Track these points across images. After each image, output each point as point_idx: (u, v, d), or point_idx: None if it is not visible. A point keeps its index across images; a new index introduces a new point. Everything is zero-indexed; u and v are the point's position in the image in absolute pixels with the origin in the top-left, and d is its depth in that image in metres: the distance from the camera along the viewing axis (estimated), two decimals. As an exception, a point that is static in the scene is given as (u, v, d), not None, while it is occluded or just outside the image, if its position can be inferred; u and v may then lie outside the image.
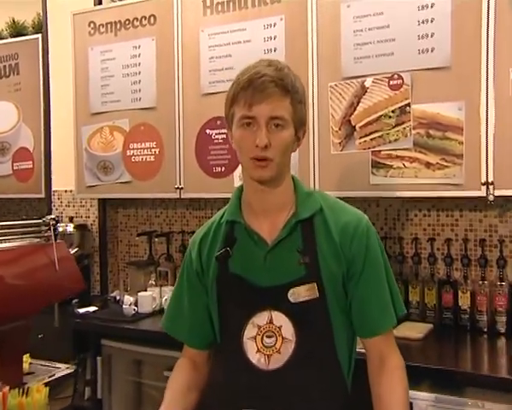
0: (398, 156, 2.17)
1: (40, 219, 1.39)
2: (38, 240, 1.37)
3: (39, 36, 3.32)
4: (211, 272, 1.32)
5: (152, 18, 2.69)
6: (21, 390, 1.11)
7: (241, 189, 1.35)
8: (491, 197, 2.01)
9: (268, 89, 1.19)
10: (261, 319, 1.24)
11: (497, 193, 2.01)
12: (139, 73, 2.73)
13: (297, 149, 1.33)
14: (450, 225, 2.39)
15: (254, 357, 1.23)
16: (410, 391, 1.80)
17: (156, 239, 3.01)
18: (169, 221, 3.07)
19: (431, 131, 2.11)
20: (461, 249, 2.33)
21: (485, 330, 2.22)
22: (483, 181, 2.01)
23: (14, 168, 3.41)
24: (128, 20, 2.76)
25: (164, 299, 2.71)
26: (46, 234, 1.35)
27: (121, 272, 3.21)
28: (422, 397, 1.85)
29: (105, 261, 3.15)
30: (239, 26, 2.47)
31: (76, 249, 2.06)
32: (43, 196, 3.33)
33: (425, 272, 2.39)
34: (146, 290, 2.77)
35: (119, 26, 2.79)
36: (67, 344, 2.65)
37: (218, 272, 1.30)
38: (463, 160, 2.05)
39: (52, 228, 1.35)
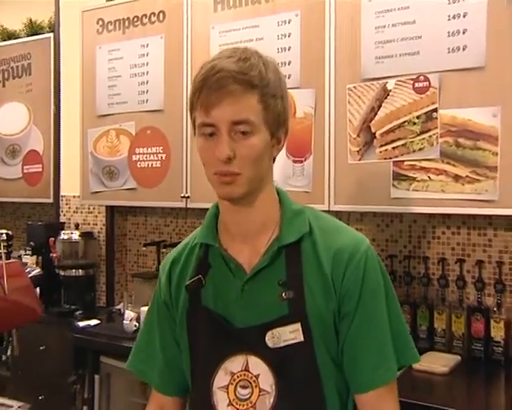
0: (422, 168, 1.94)
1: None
2: (-12, 258, 1.21)
3: (51, 35, 3.21)
4: (180, 304, 1.12)
5: (161, 14, 2.54)
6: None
7: (217, 205, 1.15)
8: (528, 217, 1.76)
9: (226, 87, 0.96)
10: (235, 364, 1.03)
11: (536, 212, 1.76)
12: (147, 73, 2.58)
13: (278, 153, 1.09)
14: (482, 245, 2.15)
15: None
16: None
17: (164, 250, 2.84)
18: (178, 231, 2.90)
19: (461, 140, 1.88)
20: (494, 273, 2.09)
21: (522, 366, 1.97)
22: (520, 198, 1.77)
23: (24, 171, 3.30)
24: (137, 16, 2.61)
25: (168, 315, 2.54)
26: (-1, 252, 1.19)
27: (129, 283, 3.06)
28: None
29: (112, 271, 3.00)
30: (251, 22, 2.29)
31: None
32: (51, 200, 3.21)
33: (453, 296, 2.16)
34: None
35: (127, 23, 2.64)
36: (67, 358, 2.52)
37: (189, 304, 1.10)
38: (497, 173, 1.82)
39: (2, 245, 1.18)
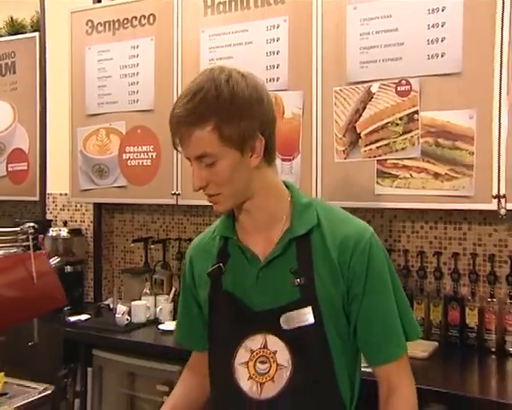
0: (404, 166, 2.07)
1: (17, 226, 1.29)
2: (16, 250, 1.27)
3: (37, 34, 3.24)
4: (203, 289, 1.22)
5: (151, 17, 2.60)
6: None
7: None
8: (502, 211, 1.91)
9: (181, 129, 1.08)
10: (254, 342, 1.13)
11: (510, 207, 1.90)
12: (137, 74, 2.64)
13: (258, 160, 1.14)
14: (457, 238, 2.29)
15: (246, 384, 1.13)
16: None
17: (152, 246, 2.92)
18: (166, 227, 2.97)
19: (440, 141, 2.01)
20: (469, 264, 2.23)
21: (494, 350, 2.12)
22: (494, 194, 1.91)
23: (9, 170, 3.32)
24: (127, 19, 2.67)
25: (158, 309, 2.62)
26: (24, 243, 1.25)
27: (116, 279, 3.12)
28: None
29: (99, 267, 3.05)
30: (241, 27, 2.38)
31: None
32: (37, 198, 3.24)
33: (431, 287, 2.29)
34: (140, 299, 2.67)
35: (117, 25, 2.70)
36: (56, 353, 2.55)
37: (211, 289, 1.21)
38: (474, 171, 1.96)
39: (30, 237, 1.25)
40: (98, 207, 3.03)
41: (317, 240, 1.15)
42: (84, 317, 2.69)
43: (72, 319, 2.66)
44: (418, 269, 2.31)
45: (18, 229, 1.29)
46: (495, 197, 1.91)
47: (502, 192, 1.90)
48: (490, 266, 2.18)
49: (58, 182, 3.12)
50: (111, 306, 2.84)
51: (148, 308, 2.63)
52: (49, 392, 1.37)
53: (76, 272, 2.97)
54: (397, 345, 1.16)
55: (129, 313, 2.57)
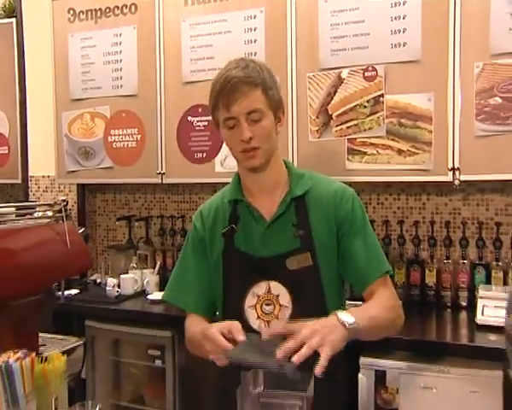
0: (372, 144, 2.31)
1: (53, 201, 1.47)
2: (49, 220, 1.45)
3: (13, 20, 3.31)
4: (216, 247, 1.43)
5: (133, 6, 2.75)
6: (41, 359, 1.20)
7: (238, 174, 1.49)
8: (456, 182, 2.18)
9: (239, 89, 1.31)
10: (260, 288, 1.37)
11: (463, 178, 2.18)
12: (120, 60, 2.79)
13: (280, 129, 1.45)
14: (418, 208, 2.56)
15: (255, 323, 1.36)
16: (383, 360, 2.02)
17: (136, 223, 3.09)
18: (148, 206, 3.14)
19: (403, 121, 2.26)
20: (427, 231, 2.51)
21: (449, 304, 2.41)
22: (450, 167, 2.18)
23: (-11, 154, 3.40)
24: (108, 8, 2.81)
25: (146, 281, 2.80)
26: (56, 215, 1.43)
27: (100, 256, 3.28)
28: (395, 366, 2.02)
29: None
30: (220, 17, 2.55)
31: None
32: (19, 181, 3.34)
33: (395, 252, 2.55)
34: (127, 273, 2.85)
35: (99, 13, 2.83)
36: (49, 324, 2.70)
37: (225, 247, 1.42)
38: (432, 147, 2.22)
39: (63, 209, 1.43)
40: (81, 189, 3.18)
41: (312, 199, 1.41)
42: (73, 291, 2.85)
43: (65, 295, 2.81)
44: (384, 237, 2.57)
45: (52, 202, 1.47)
46: (450, 170, 2.19)
47: (456, 165, 2.18)
48: (446, 231, 2.47)
49: (41, 165, 3.24)
50: (98, 281, 3.01)
51: (136, 281, 2.81)
52: (81, 342, 1.56)
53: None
54: (379, 266, 1.40)
55: (118, 286, 2.75)
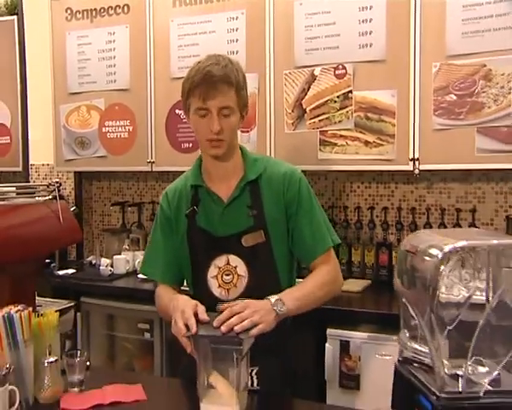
0: (341, 136, 2.53)
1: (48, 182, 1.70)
2: (45, 198, 1.68)
3: (15, 17, 3.52)
4: (181, 226, 1.62)
5: (125, 7, 2.96)
6: (37, 315, 1.43)
7: (200, 158, 1.67)
8: (416, 171, 2.40)
9: (218, 87, 1.48)
10: (220, 261, 1.56)
11: (422, 167, 2.40)
12: (114, 57, 3.00)
13: (241, 125, 1.62)
14: (387, 195, 2.77)
15: (217, 291, 1.57)
16: (347, 331, 2.24)
17: (129, 208, 3.31)
18: (140, 193, 3.37)
19: (369, 115, 2.47)
20: (395, 216, 2.72)
21: (414, 284, 2.62)
22: (410, 157, 2.40)
23: (-8, 143, 3.62)
24: (103, 8, 3.02)
25: (137, 262, 3.02)
26: (51, 195, 1.67)
27: (95, 240, 3.50)
28: (357, 336, 2.25)
29: (81, 229, 3.41)
30: (205, 18, 2.77)
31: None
32: (20, 169, 3.56)
33: (365, 236, 2.77)
34: (120, 254, 3.07)
35: (94, 13, 3.05)
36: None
37: (188, 227, 1.61)
38: (395, 139, 2.43)
39: (57, 190, 1.66)
40: (78, 176, 3.40)
41: (264, 182, 1.59)
42: (70, 271, 3.08)
43: (61, 272, 3.04)
44: (355, 222, 2.78)
45: (46, 183, 1.69)
46: (411, 160, 2.40)
47: (416, 156, 2.39)
48: (411, 217, 2.68)
49: (41, 154, 3.46)
50: (93, 262, 3.23)
51: (128, 262, 3.03)
52: (73, 303, 1.80)
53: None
54: (323, 243, 1.59)
55: (111, 265, 2.98)
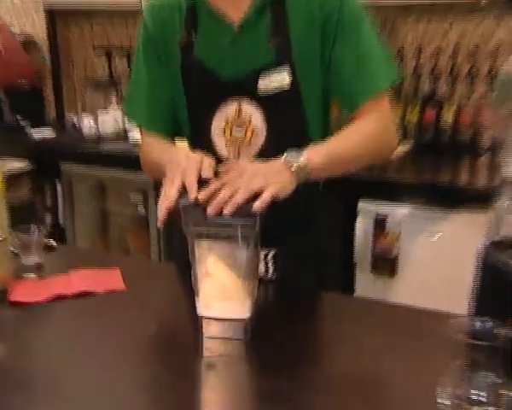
0: None
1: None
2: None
3: None
4: (173, 59, 1.12)
5: None
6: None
7: None
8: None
9: None
10: (229, 110, 1.09)
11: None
12: None
13: None
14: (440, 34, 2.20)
15: (224, 150, 1.11)
16: (383, 205, 1.85)
17: (116, 56, 2.73)
18: (129, 36, 2.76)
19: None
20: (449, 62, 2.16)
21: (468, 147, 2.13)
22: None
23: None
24: None
25: (127, 121, 2.51)
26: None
27: (78, 95, 2.96)
28: (396, 210, 1.85)
29: (59, 83, 2.88)
30: None
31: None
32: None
33: (409, 87, 2.22)
34: (107, 111, 2.56)
35: None
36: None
37: (182, 58, 1.11)
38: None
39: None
40: (50, 15, 2.78)
41: (291, 1, 1.07)
42: (47, 133, 2.58)
43: (37, 136, 2.54)
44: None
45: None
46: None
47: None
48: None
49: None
50: (76, 124, 2.72)
51: (117, 121, 2.54)
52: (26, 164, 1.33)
53: (34, 90, 2.77)
54: (372, 83, 1.09)
55: (96, 122, 2.48)
